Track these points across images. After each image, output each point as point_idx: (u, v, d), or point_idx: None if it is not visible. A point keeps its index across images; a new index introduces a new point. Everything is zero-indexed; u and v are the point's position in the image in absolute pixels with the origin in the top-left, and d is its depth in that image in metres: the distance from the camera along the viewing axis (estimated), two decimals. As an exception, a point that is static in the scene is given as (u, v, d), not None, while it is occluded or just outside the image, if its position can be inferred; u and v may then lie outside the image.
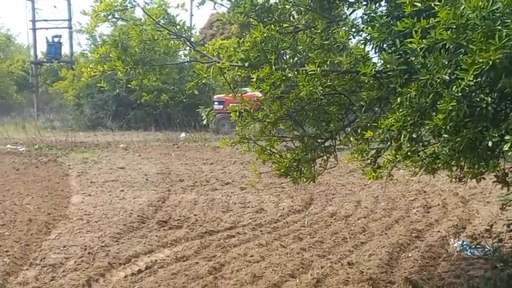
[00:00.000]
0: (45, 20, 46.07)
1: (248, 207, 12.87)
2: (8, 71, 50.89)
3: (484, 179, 6.02)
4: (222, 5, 6.44)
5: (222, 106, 31.99)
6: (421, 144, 5.67)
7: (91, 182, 16.11)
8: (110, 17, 6.17)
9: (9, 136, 29.04)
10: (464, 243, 9.28)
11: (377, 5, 6.00)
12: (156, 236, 10.25)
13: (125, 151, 24.67)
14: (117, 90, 33.50)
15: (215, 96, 33.22)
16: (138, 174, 17.80)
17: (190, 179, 16.75)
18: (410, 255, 8.99)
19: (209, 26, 46.45)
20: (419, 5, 5.03)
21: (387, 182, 14.07)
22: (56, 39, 45.37)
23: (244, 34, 6.40)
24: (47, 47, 46.10)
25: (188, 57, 7.94)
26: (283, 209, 12.57)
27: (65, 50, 46.99)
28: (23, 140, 27.49)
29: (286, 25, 6.43)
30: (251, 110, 6.48)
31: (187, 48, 6.91)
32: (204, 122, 6.95)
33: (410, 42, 4.94)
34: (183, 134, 30.71)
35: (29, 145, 25.70)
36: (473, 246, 8.81)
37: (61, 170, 18.86)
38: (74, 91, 38.26)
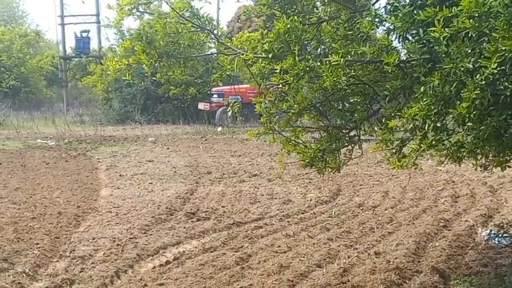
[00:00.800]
0: (74, 16, 46.32)
1: (275, 198, 12.90)
2: (38, 66, 51.27)
3: (509, 167, 6.02)
4: (246, -3, 6.49)
5: (221, 99, 32.61)
6: (445, 133, 5.67)
7: (120, 175, 16.23)
8: (134, 11, 6.24)
9: (39, 131, 29.29)
10: (492, 232, 9.25)
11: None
12: (184, 227, 10.33)
13: (154, 144, 24.78)
14: (144, 84, 33.69)
15: (214, 89, 33.35)
16: (167, 167, 17.89)
17: (218, 171, 16.81)
18: (437, 244, 8.97)
19: (236, 18, 46.47)
20: (441, -7, 5.04)
21: (415, 173, 14.13)
22: (84, 34, 45.60)
23: (268, 26, 6.45)
24: (76, 42, 46.35)
25: (213, 49, 8.00)
26: (310, 200, 12.59)
27: (94, 44, 47.31)
28: (53, 134, 27.68)
29: (310, 16, 6.46)
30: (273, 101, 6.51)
31: (213, 40, 6.95)
32: (229, 114, 7.00)
33: (433, 31, 4.95)
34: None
35: (59, 139, 25.89)
36: (501, 235, 8.80)
37: (90, 163, 19.00)
38: (102, 85, 38.47)
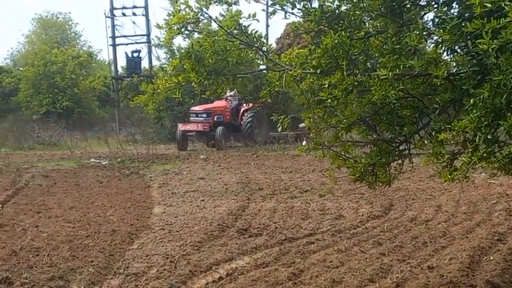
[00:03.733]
0: (125, 36, 47.04)
1: (327, 213, 12.87)
2: (91, 87, 52.11)
3: None
4: (293, 13, 6.52)
5: (209, 118, 31.87)
6: (496, 145, 5.63)
7: (172, 193, 16.36)
8: (183, 30, 6.33)
9: (92, 150, 29.73)
10: (548, 245, 9.11)
11: (448, 7, 6.00)
12: (236, 243, 10.36)
13: (205, 162, 24.95)
14: (194, 102, 33.99)
15: (195, 108, 32.78)
16: (218, 184, 17.98)
17: (269, 188, 16.84)
18: (492, 258, 8.86)
19: (286, 35, 46.67)
20: (489, 5, 5.02)
21: (468, 186, 13.99)
22: (135, 54, 46.27)
23: (316, 42, 6.48)
24: (127, 62, 47.04)
25: (262, 66, 8.04)
26: (362, 215, 12.54)
27: (144, 64, 47.91)
28: (106, 153, 28.06)
29: (357, 31, 6.48)
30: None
31: (261, 57, 7.01)
32: (279, 130, 7.03)
33: (482, 43, 4.93)
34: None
35: (112, 158, 26.24)
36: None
37: (143, 182, 19.21)
38: (153, 104, 38.84)
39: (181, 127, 31.98)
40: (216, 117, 32.00)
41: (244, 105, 33.16)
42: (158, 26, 6.63)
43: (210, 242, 10.53)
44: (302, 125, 33.01)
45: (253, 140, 32.28)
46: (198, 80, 6.49)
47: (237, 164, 23.47)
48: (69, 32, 74.80)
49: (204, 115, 31.96)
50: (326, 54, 5.95)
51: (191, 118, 32.54)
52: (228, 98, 32.47)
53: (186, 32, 6.42)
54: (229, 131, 32.17)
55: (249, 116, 32.53)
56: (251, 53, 6.72)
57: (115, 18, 46.51)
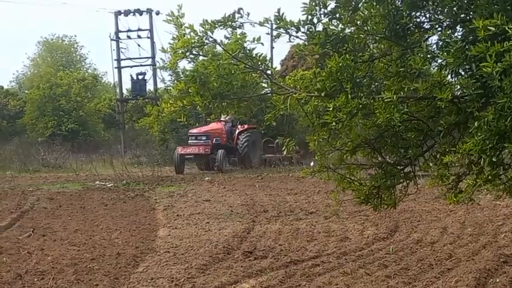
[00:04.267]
0: (130, 59, 47.16)
1: (332, 236, 12.85)
2: (96, 109, 52.28)
3: None
4: (297, 37, 6.55)
5: (209, 140, 31.42)
6: (501, 167, 5.63)
7: (177, 215, 16.35)
8: (187, 54, 6.37)
9: (97, 173, 29.77)
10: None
11: (451, 31, 6.03)
12: (242, 266, 10.33)
13: (210, 184, 24.94)
14: (199, 124, 34.04)
15: (194, 131, 32.38)
16: (223, 206, 17.97)
17: (274, 210, 16.82)
18: (498, 280, 8.83)
19: (290, 57, 46.80)
20: (493, 29, 5.04)
21: (473, 208, 13.96)
22: (140, 77, 46.44)
23: (320, 64, 6.50)
24: (132, 84, 47.25)
25: (267, 89, 8.06)
26: (367, 237, 12.51)
27: (149, 86, 48.06)
28: (111, 176, 28.09)
29: (362, 54, 6.50)
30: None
31: (265, 80, 7.04)
32: (284, 153, 7.04)
33: (485, 66, 4.95)
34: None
35: (117, 181, 26.24)
36: None
37: (148, 204, 19.21)
38: (158, 126, 38.93)
39: (180, 150, 31.64)
40: (214, 140, 31.69)
41: (239, 127, 33.07)
42: (163, 50, 6.68)
43: (215, 265, 10.51)
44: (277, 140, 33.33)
45: (250, 162, 32.17)
46: (203, 104, 6.52)
47: (242, 186, 23.45)
48: (74, 54, 75.11)
49: (204, 138, 31.67)
50: (330, 77, 5.97)
51: (190, 141, 32.22)
52: (222, 120, 32.29)
53: (191, 55, 6.46)
54: (225, 154, 31.90)
55: (244, 138, 32.39)
56: (256, 76, 6.75)
57: (120, 40, 46.73)
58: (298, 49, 6.98)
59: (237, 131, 32.73)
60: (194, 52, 6.42)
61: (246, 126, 32.87)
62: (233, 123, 33.07)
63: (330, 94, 6.05)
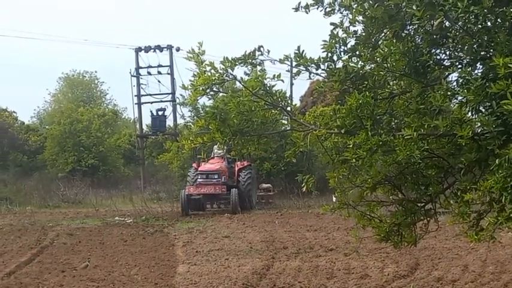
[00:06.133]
0: (150, 94, 47.38)
1: (352, 273, 12.75)
2: (116, 145, 52.46)
3: None
4: (317, 74, 6.57)
5: (220, 179, 28.80)
6: (523, 205, 5.59)
7: (196, 252, 16.31)
8: (208, 90, 6.41)
9: (117, 208, 29.88)
10: None
11: (472, 68, 6.03)
12: (261, 303, 10.29)
13: (230, 220, 24.91)
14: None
15: (204, 168, 29.41)
16: (243, 242, 17.91)
17: (294, 246, 16.74)
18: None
19: (310, 93, 46.91)
20: (513, 66, 5.03)
21: (495, 245, 13.81)
22: (160, 113, 46.62)
23: (339, 101, 6.52)
24: (152, 120, 47.40)
25: (287, 125, 8.07)
26: (388, 275, 12.41)
27: (169, 122, 48.22)
28: (131, 211, 28.17)
29: (381, 91, 6.51)
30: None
31: (285, 117, 7.05)
32: (304, 189, 7.01)
33: (506, 104, 4.94)
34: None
35: (136, 216, 26.30)
36: None
37: (167, 240, 19.20)
38: (178, 162, 38.99)
39: (193, 190, 28.76)
40: (223, 178, 29.12)
41: (238, 163, 30.56)
42: (184, 87, 6.73)
43: (234, 302, 10.47)
44: (264, 186, 32.49)
45: (251, 201, 30.03)
46: (223, 140, 6.54)
47: (262, 222, 23.39)
48: (95, 90, 75.58)
49: (216, 176, 29.00)
50: (350, 114, 5.98)
51: (200, 180, 28.90)
52: (217, 156, 30.34)
53: (212, 92, 6.50)
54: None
55: (246, 175, 30.03)
56: (276, 113, 6.77)
57: (140, 77, 46.99)
58: (318, 86, 7.01)
59: (236, 168, 30.37)
60: (214, 89, 6.47)
61: (245, 163, 30.69)
62: (228, 159, 30.64)
63: (350, 131, 6.06)
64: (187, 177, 30.99)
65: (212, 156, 30.17)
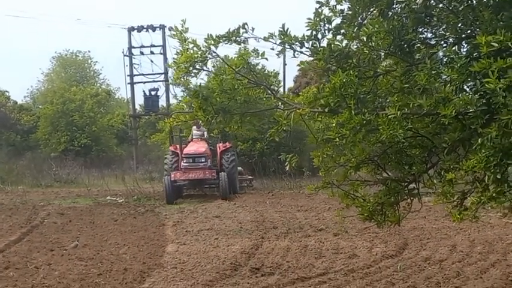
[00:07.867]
0: (143, 74, 47.21)
1: (341, 253, 12.77)
2: (109, 125, 52.36)
3: None
4: (301, 52, 6.52)
5: (207, 162, 26.41)
6: (506, 185, 5.57)
7: (186, 231, 16.30)
8: (190, 68, 6.36)
9: (109, 188, 29.88)
10: None
11: (457, 47, 6.00)
12: (248, 283, 10.28)
13: (221, 200, 24.89)
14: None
15: (190, 150, 26.78)
16: (233, 222, 17.91)
17: (284, 226, 16.75)
18: (506, 299, 8.75)
19: (303, 74, 46.81)
20: (496, 45, 5.00)
21: (484, 226, 13.85)
22: (153, 93, 46.49)
23: (324, 80, 6.48)
24: (145, 100, 47.27)
25: (276, 104, 8.04)
26: (376, 254, 12.43)
27: (162, 102, 48.12)
28: (122, 191, 28.17)
29: (366, 70, 6.47)
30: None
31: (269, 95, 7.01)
32: (287, 168, 6.99)
33: (489, 83, 4.91)
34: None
35: (128, 196, 26.31)
36: None
37: (158, 220, 19.20)
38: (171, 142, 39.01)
39: (178, 176, 26.01)
40: (208, 161, 26.77)
41: (220, 145, 28.37)
42: (168, 65, 6.69)
43: (221, 281, 10.47)
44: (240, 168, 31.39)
45: (235, 184, 27.73)
46: (205, 119, 6.51)
47: (253, 203, 23.38)
48: (88, 70, 75.28)
49: (203, 159, 26.50)
50: (334, 93, 5.95)
51: (185, 164, 26.29)
52: (196, 137, 28.26)
53: (194, 70, 6.45)
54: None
55: (230, 157, 27.80)
56: (260, 91, 6.73)
57: (133, 56, 46.79)
58: (303, 64, 6.96)
59: (219, 150, 28.20)
60: (197, 67, 6.42)
61: (228, 145, 28.45)
62: (208, 141, 28.63)
63: (334, 110, 6.02)
64: (164, 163, 28.55)
65: (191, 138, 28.27)
